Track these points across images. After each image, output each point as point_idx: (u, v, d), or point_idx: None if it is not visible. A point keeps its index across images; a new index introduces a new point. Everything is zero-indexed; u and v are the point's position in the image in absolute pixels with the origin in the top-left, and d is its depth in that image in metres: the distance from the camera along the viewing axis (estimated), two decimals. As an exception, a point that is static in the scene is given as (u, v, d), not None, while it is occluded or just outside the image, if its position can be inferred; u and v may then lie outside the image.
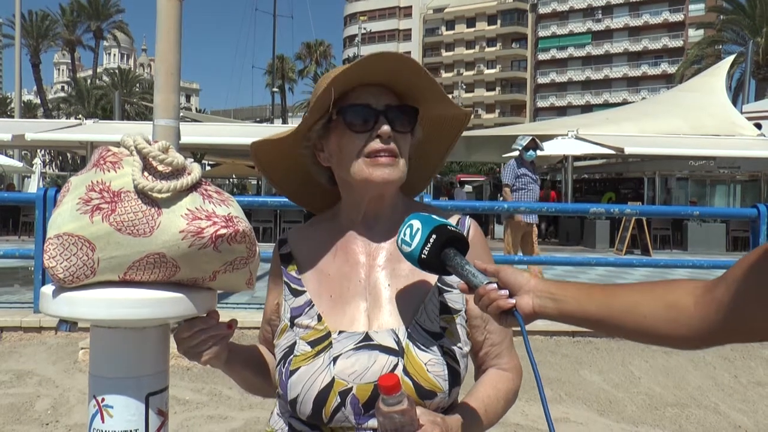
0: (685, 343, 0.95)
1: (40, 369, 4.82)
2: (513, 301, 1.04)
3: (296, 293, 1.24)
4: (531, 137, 8.32)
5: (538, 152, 8.56)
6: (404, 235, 1.10)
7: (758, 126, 17.67)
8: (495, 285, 1.05)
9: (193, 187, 1.13)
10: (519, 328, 1.03)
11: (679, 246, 16.39)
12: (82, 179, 1.12)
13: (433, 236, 1.07)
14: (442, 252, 1.07)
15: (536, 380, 0.97)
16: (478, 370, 1.29)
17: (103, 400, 1.14)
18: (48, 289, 1.15)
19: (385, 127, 1.17)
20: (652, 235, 15.20)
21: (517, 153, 8.46)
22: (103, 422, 1.14)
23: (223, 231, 1.09)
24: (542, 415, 4.06)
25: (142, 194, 1.09)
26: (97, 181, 1.10)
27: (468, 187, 29.89)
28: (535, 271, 7.99)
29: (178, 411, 4.02)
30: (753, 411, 4.34)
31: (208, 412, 4.06)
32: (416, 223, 1.09)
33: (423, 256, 1.07)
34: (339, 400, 1.11)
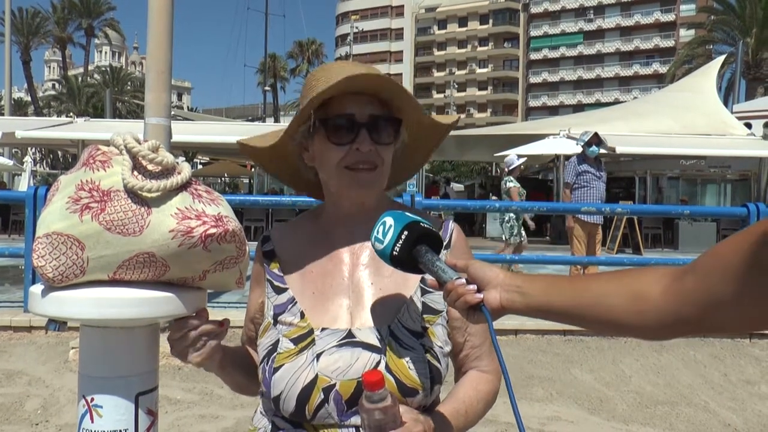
0: (652, 333, 0.94)
1: (30, 369, 4.79)
2: (480, 296, 1.03)
3: (279, 291, 1.24)
4: (594, 132, 7.99)
5: (601, 149, 8.17)
6: (377, 232, 1.10)
7: (748, 126, 17.74)
8: (463, 280, 1.05)
9: (183, 187, 1.13)
10: (487, 324, 1.03)
11: (670, 245, 16.47)
12: (72, 178, 1.12)
13: (405, 233, 1.07)
14: (414, 249, 1.07)
15: (504, 375, 0.98)
16: (458, 372, 1.30)
17: (92, 399, 1.14)
18: (37, 288, 1.15)
19: (367, 142, 1.18)
20: (643, 234, 15.27)
21: (579, 149, 8.11)
22: (92, 422, 1.14)
23: (212, 230, 1.09)
24: (534, 415, 4.08)
25: (132, 193, 1.08)
26: (87, 180, 1.10)
27: (459, 186, 29.92)
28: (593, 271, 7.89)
29: (169, 410, 4.01)
30: (742, 409, 4.37)
31: (200, 411, 4.05)
32: (389, 220, 1.09)
33: (395, 252, 1.07)
34: (322, 397, 1.11)
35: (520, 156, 9.44)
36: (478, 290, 1.04)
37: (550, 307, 1.01)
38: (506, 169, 9.40)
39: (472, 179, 34.96)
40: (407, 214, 1.11)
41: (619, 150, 14.68)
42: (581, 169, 7.90)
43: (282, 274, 1.26)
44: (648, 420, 4.13)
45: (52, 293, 1.11)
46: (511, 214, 9.00)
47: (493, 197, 21.06)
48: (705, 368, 5.25)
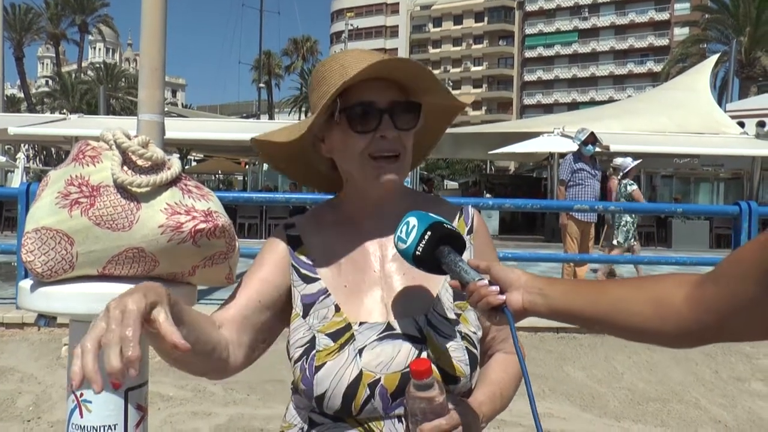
0: (673, 341, 0.93)
1: (22, 365, 4.78)
2: (503, 297, 1.03)
3: (308, 280, 1.20)
4: (590, 131, 7.98)
5: (596, 147, 8.11)
6: (401, 232, 1.09)
7: (741, 124, 17.82)
8: (486, 281, 1.05)
9: (173, 182, 1.13)
10: (508, 326, 1.03)
11: (664, 243, 16.53)
12: (61, 173, 1.11)
13: (428, 233, 1.07)
14: (437, 249, 1.07)
15: (524, 375, 0.98)
16: (484, 356, 1.29)
17: (81, 395, 1.14)
18: (26, 283, 1.15)
19: (390, 128, 1.16)
20: (636, 231, 15.30)
21: (576, 147, 8.10)
22: (81, 417, 1.14)
23: (202, 226, 1.09)
24: (527, 411, 4.09)
25: (122, 189, 1.09)
26: (76, 176, 1.10)
27: (453, 184, 29.97)
28: (581, 271, 7.89)
29: (162, 407, 4.01)
30: (732, 405, 4.39)
31: (192, 408, 4.05)
32: (413, 221, 1.09)
33: (417, 252, 1.07)
34: (368, 392, 1.10)
35: (634, 158, 9.24)
36: (501, 292, 1.04)
37: (571, 311, 1.02)
38: (620, 173, 9.22)
39: (466, 177, 35.02)
40: (431, 214, 1.10)
41: (613, 148, 14.71)
42: (577, 166, 7.90)
43: (311, 263, 1.22)
44: (640, 417, 4.15)
45: (42, 288, 1.11)
46: (628, 218, 8.95)
47: (487, 195, 21.07)
48: (696, 365, 5.27)
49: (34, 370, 4.68)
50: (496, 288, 1.04)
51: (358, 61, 1.13)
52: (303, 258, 1.22)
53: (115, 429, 1.14)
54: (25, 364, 4.81)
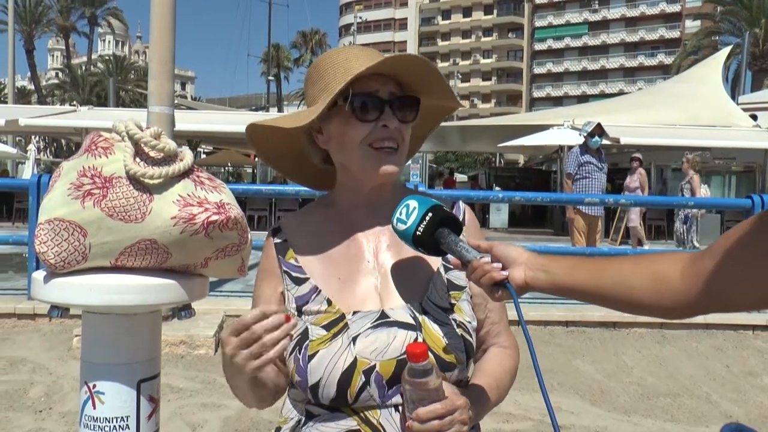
0: (671, 313, 0.99)
1: (33, 356, 4.81)
2: (505, 273, 1.07)
3: (298, 281, 1.22)
4: (597, 123, 7.88)
5: (603, 140, 8.04)
6: (400, 214, 1.11)
7: (754, 117, 17.66)
8: (488, 258, 1.08)
9: (185, 174, 1.12)
10: (511, 302, 1.06)
11: (674, 236, 16.43)
12: (74, 164, 1.11)
13: (429, 215, 1.09)
14: (437, 230, 1.09)
15: (530, 352, 1.01)
16: (478, 350, 1.30)
17: (94, 386, 1.14)
18: (39, 274, 1.15)
19: (392, 119, 1.18)
20: (646, 225, 15.24)
21: (582, 140, 8.02)
22: (94, 408, 1.14)
23: (214, 217, 1.09)
24: (535, 405, 4.08)
25: (134, 180, 1.08)
26: (89, 167, 1.09)
27: (462, 177, 29.94)
28: None
29: (172, 399, 4.03)
30: (744, 401, 4.37)
31: (202, 399, 4.06)
32: (413, 203, 1.11)
33: (418, 233, 1.09)
34: (363, 379, 1.10)
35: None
36: (503, 268, 1.07)
37: (574, 286, 1.05)
38: None
39: (476, 170, 34.94)
40: (430, 198, 1.14)
41: (624, 141, 14.64)
42: (583, 159, 7.84)
43: (300, 264, 1.23)
44: (649, 411, 4.13)
45: (55, 279, 1.11)
46: None
47: (496, 188, 21.01)
48: (707, 360, 5.25)
49: (45, 360, 4.72)
50: (498, 264, 1.08)
51: (360, 56, 1.18)
52: (292, 261, 1.24)
53: (127, 420, 1.15)
54: (37, 355, 4.84)
